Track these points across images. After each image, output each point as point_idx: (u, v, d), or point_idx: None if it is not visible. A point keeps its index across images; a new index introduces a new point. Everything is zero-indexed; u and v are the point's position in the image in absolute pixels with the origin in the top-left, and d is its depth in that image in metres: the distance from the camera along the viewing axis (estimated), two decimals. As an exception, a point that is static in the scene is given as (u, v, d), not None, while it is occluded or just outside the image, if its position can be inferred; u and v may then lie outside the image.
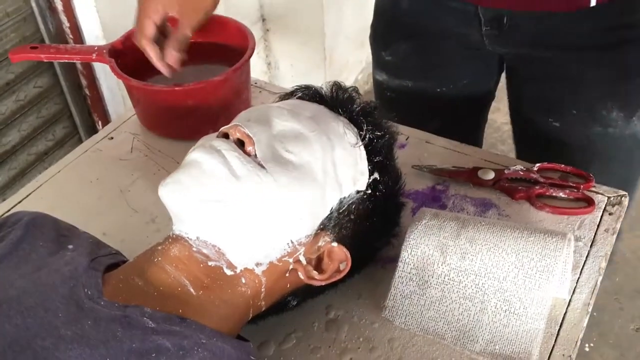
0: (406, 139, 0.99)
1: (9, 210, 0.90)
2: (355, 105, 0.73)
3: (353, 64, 1.41)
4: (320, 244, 0.66)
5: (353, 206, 0.69)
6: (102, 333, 0.53)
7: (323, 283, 0.67)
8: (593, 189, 0.88)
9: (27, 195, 0.94)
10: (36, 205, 0.88)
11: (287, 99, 0.76)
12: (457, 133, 0.98)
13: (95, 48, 0.99)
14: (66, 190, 0.95)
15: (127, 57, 0.99)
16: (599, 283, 0.77)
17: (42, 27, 1.51)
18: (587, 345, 1.67)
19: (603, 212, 0.85)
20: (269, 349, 0.72)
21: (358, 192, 0.69)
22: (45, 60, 1.10)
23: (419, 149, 0.98)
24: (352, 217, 0.69)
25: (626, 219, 0.86)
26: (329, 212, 0.66)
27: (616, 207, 0.85)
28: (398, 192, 0.76)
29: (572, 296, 0.76)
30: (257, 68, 2.07)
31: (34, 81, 1.52)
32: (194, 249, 0.62)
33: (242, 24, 1.02)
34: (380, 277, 0.79)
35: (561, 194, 0.86)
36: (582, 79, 0.93)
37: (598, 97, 0.93)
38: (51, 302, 0.56)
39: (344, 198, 0.68)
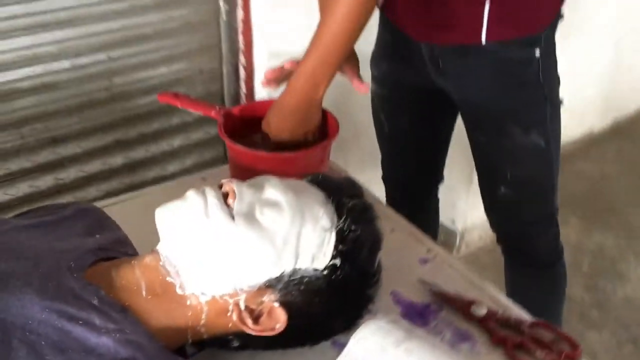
0: (433, 257, 1.05)
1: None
2: (347, 198, 0.83)
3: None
4: (264, 299, 0.77)
5: (305, 279, 0.78)
6: (56, 293, 0.70)
7: (253, 333, 0.77)
8: (576, 361, 0.85)
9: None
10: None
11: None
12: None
13: (217, 108, 1.22)
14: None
15: (237, 121, 1.21)
16: None
17: (225, 87, 1.83)
18: None
19: (574, 385, 0.82)
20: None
21: (315, 269, 0.79)
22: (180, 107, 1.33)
23: (441, 268, 1.03)
24: (302, 288, 0.78)
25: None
26: (279, 274, 0.77)
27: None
28: (364, 289, 0.83)
29: None
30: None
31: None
32: (161, 263, 0.77)
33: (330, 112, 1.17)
34: (332, 357, 0.85)
35: (539, 352, 0.85)
36: None
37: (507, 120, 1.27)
38: (43, 262, 0.74)
39: (299, 269, 0.78)
